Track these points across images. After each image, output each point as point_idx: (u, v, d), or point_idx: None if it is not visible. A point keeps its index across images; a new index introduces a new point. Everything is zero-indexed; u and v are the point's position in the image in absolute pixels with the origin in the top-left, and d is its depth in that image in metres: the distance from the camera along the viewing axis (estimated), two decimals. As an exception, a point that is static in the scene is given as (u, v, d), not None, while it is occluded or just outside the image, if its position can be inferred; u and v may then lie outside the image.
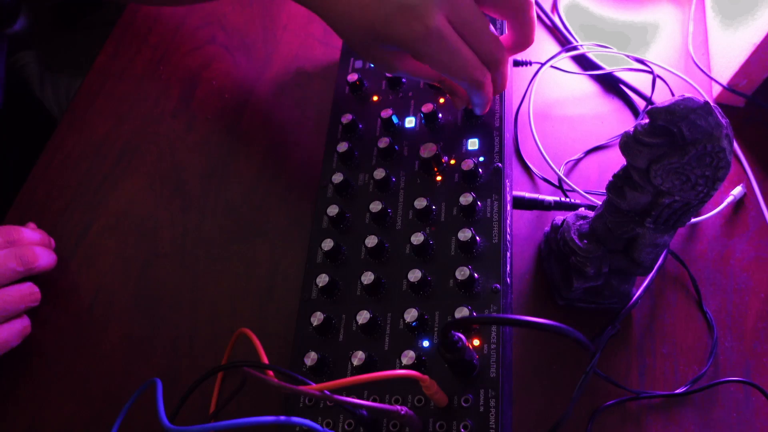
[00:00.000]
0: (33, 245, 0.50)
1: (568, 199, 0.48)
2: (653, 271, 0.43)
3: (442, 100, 0.49)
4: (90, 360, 0.49)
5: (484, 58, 0.41)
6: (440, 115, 0.48)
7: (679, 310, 0.46)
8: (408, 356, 0.38)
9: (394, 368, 0.39)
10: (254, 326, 0.43)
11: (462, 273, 0.40)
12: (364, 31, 0.41)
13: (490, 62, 0.41)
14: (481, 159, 0.45)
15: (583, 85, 0.57)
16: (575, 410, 0.43)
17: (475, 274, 0.40)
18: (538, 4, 0.60)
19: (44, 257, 0.50)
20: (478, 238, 0.42)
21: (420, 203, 0.43)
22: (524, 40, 0.43)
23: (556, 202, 0.47)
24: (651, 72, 0.54)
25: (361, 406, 0.36)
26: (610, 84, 0.56)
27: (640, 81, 0.55)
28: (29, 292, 0.49)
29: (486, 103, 0.43)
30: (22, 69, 1.02)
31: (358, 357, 0.39)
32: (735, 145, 0.51)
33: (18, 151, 0.76)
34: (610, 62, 0.56)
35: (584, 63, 0.57)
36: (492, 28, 0.41)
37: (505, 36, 0.44)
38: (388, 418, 0.38)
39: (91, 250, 0.54)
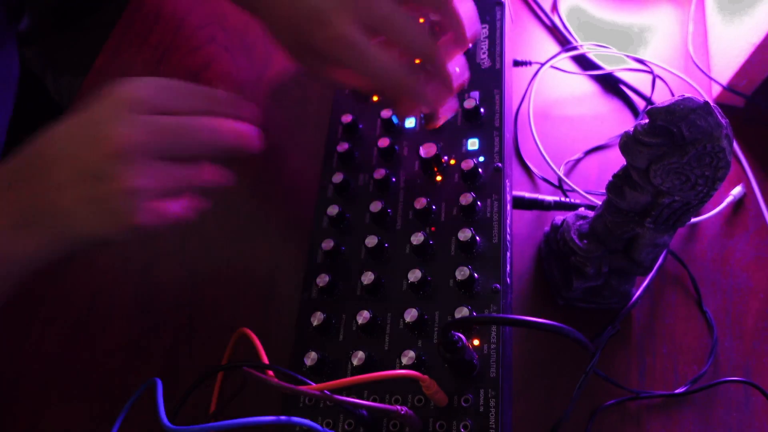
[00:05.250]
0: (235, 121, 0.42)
1: (568, 199, 0.48)
2: (653, 271, 0.43)
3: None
4: (90, 360, 0.49)
5: (414, 54, 0.40)
6: (440, 115, 0.48)
7: (679, 310, 0.46)
8: (408, 356, 0.38)
9: (394, 368, 0.39)
10: (254, 326, 0.43)
11: (462, 273, 0.40)
12: (292, 38, 0.41)
13: (426, 59, 0.40)
14: (481, 159, 0.45)
15: (583, 85, 0.57)
16: (575, 410, 0.43)
17: (475, 274, 0.40)
18: (538, 4, 0.60)
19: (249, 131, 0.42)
20: (478, 238, 0.42)
21: (420, 203, 0.43)
22: (459, 31, 0.40)
23: (556, 202, 0.47)
24: (651, 72, 0.54)
25: (361, 406, 0.36)
26: (610, 84, 0.56)
27: (640, 81, 0.55)
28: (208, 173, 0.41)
29: (433, 106, 0.41)
30: (25, 65, 1.02)
31: (358, 357, 0.39)
32: (735, 145, 0.51)
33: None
34: (610, 62, 0.56)
35: (584, 63, 0.57)
36: (418, 22, 0.40)
37: (445, 37, 0.42)
38: (388, 418, 0.38)
39: (91, 250, 0.54)
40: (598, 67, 0.56)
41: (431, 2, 0.40)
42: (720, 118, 0.32)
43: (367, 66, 0.39)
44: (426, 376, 0.35)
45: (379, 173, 0.45)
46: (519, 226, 0.50)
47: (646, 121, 0.33)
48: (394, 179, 0.46)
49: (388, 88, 0.40)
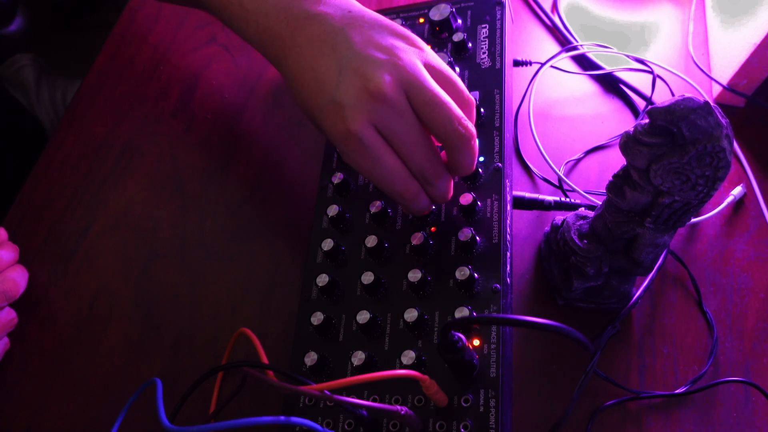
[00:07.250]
0: (11, 270, 0.51)
1: (568, 199, 0.48)
2: (653, 271, 0.43)
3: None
4: (90, 360, 0.49)
5: (414, 172, 0.39)
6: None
7: (679, 310, 0.46)
8: (408, 356, 0.38)
9: (394, 368, 0.39)
10: (254, 326, 0.43)
11: (462, 273, 0.40)
12: (310, 115, 0.40)
13: (423, 178, 0.40)
14: (481, 159, 0.45)
15: (583, 85, 0.57)
16: (575, 410, 0.43)
17: (475, 274, 0.40)
18: (538, 4, 0.60)
19: (22, 281, 0.51)
20: (478, 238, 0.42)
21: (420, 203, 0.43)
22: (459, 170, 0.41)
23: (556, 202, 0.47)
24: (651, 72, 0.54)
25: (361, 406, 0.36)
26: (610, 84, 0.56)
27: (640, 81, 0.55)
28: (8, 319, 0.50)
29: (419, 212, 0.42)
30: (19, 71, 1.01)
31: (358, 357, 0.39)
32: (735, 145, 0.51)
33: (11, 158, 0.76)
34: (610, 62, 0.56)
35: (584, 63, 0.57)
36: (433, 145, 0.39)
37: (443, 154, 0.42)
38: (388, 418, 0.38)
39: (91, 250, 0.54)
40: (598, 67, 0.56)
41: (447, 141, 0.39)
42: (720, 118, 0.32)
43: (372, 168, 0.38)
44: (426, 376, 0.35)
45: (379, 173, 0.45)
46: (519, 226, 0.50)
47: (646, 121, 0.33)
48: (394, 179, 0.46)
49: (386, 193, 0.40)
